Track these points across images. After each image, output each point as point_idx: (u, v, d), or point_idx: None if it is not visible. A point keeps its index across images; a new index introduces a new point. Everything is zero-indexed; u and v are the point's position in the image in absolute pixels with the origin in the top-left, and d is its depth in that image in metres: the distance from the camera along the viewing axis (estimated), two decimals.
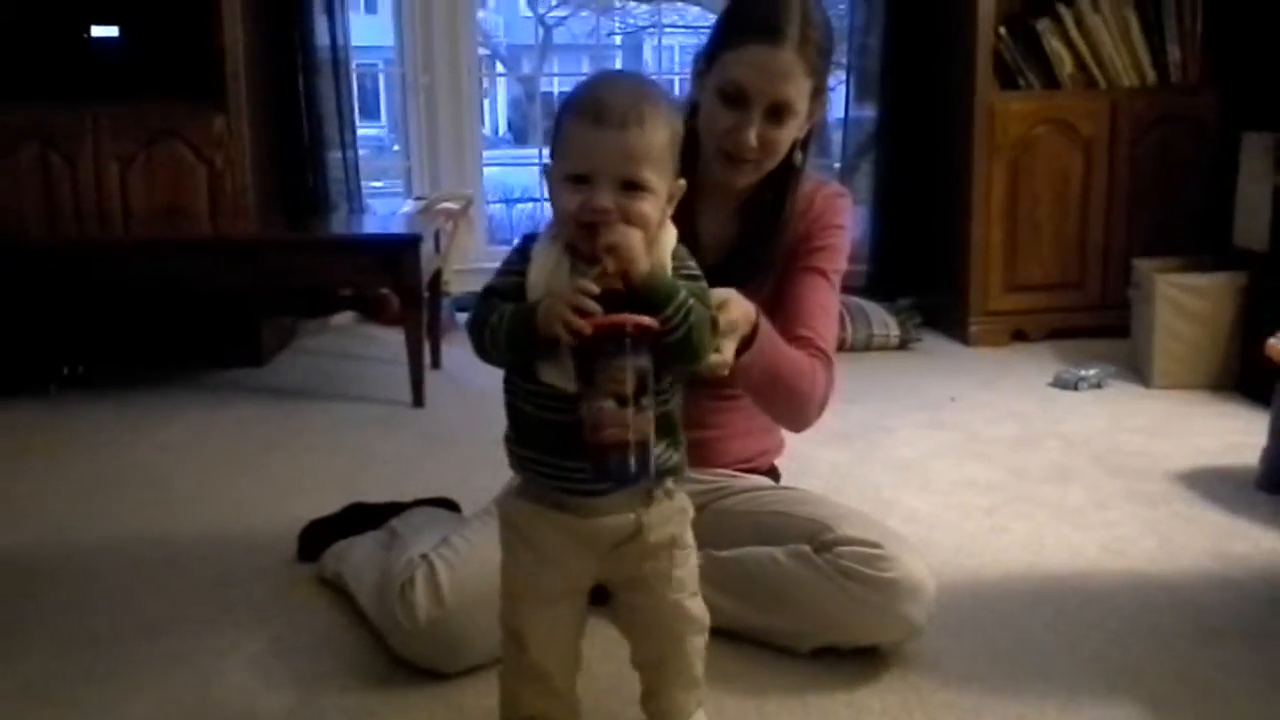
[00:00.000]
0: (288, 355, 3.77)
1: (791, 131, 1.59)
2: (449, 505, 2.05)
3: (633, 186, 1.16)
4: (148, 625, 1.78)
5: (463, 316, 3.58)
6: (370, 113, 8.42)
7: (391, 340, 3.54)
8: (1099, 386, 3.14)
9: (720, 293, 1.34)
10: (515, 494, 1.30)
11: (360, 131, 4.28)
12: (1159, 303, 3.13)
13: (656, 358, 1.14)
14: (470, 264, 4.22)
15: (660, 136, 1.18)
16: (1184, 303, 3.12)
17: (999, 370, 3.43)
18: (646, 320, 1.12)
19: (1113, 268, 3.71)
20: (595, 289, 1.13)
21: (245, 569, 1.99)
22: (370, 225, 4.04)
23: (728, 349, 1.37)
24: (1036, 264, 3.75)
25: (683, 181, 1.23)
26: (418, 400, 3.11)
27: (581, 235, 1.17)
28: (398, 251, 3.12)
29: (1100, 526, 2.15)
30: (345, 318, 4.23)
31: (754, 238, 1.68)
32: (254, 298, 3.56)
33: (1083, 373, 3.16)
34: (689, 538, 1.30)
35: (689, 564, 1.30)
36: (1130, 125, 3.69)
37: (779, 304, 1.65)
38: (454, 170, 4.55)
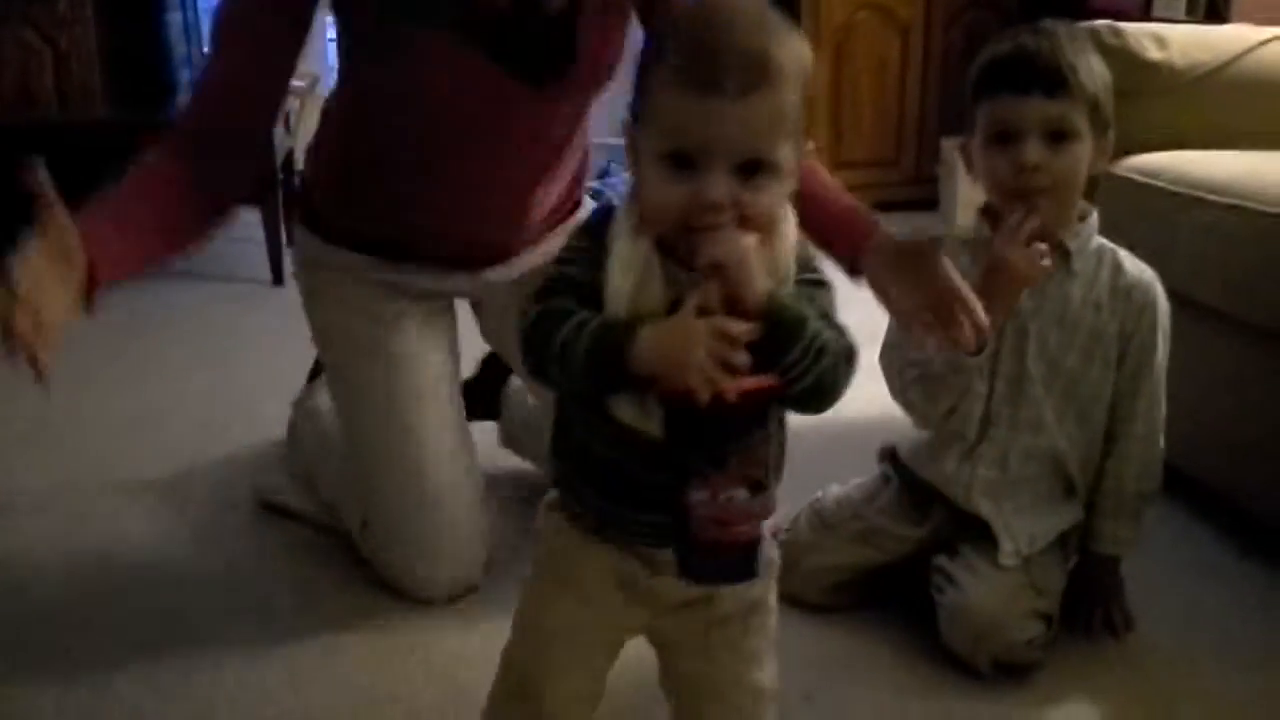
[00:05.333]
0: None
1: None
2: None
3: (756, 169, 0.86)
4: (36, 500, 1.93)
5: None
6: None
7: (244, 219, 3.62)
8: None
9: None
10: (560, 511, 1.02)
11: None
12: (960, 178, 3.45)
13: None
14: None
15: (793, 93, 0.87)
16: None
17: None
18: (773, 379, 0.86)
19: (925, 146, 4.03)
20: (745, 333, 0.84)
21: (135, 445, 2.16)
22: None
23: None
24: (859, 143, 4.05)
25: (812, 145, 0.98)
26: (277, 278, 3.26)
27: (682, 236, 0.87)
28: None
29: None
30: None
31: None
32: (105, 180, 3.60)
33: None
34: (772, 599, 1.03)
35: (766, 628, 1.03)
36: (943, 11, 3.98)
37: None
38: None
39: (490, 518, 1.63)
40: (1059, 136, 1.34)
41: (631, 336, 0.85)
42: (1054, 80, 1.32)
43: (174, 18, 4.09)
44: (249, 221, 3.36)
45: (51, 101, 3.47)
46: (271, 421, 2.05)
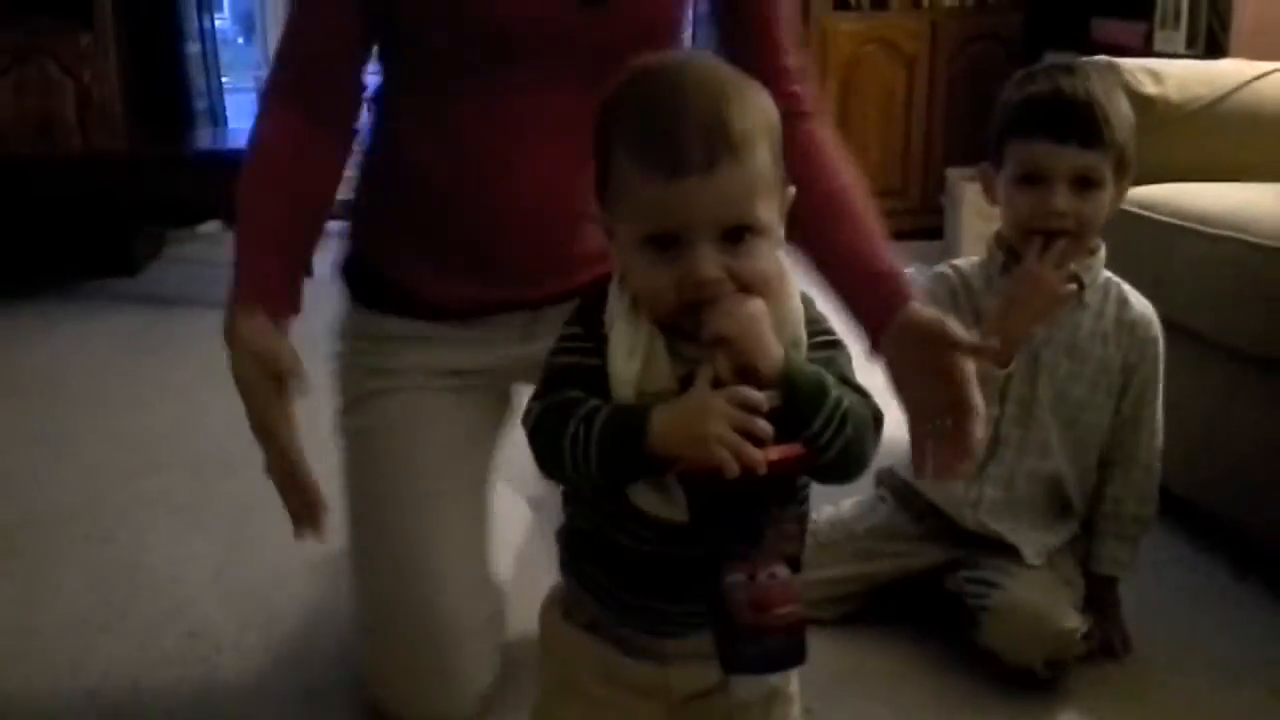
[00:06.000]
0: (160, 265, 3.91)
1: None
2: None
3: (741, 234, 0.82)
4: (63, 512, 1.99)
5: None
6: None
7: None
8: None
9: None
10: (559, 609, 0.98)
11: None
12: (965, 208, 3.51)
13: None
14: None
15: (764, 152, 0.83)
16: (987, 209, 3.48)
17: None
18: (800, 447, 0.82)
19: (931, 176, 4.08)
20: (764, 402, 0.80)
21: (156, 462, 2.21)
22: (241, 138, 4.18)
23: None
24: (865, 173, 3.98)
25: (792, 189, 0.88)
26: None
27: (681, 315, 0.83)
28: None
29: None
30: (213, 226, 4.35)
31: None
32: (126, 211, 3.69)
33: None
34: (793, 687, 0.99)
35: (784, 709, 0.99)
36: (948, 44, 4.04)
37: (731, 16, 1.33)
38: None
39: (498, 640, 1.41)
40: (1086, 184, 1.38)
41: (646, 419, 0.81)
42: (1090, 132, 1.36)
43: (193, 49, 4.20)
44: None
45: (74, 133, 3.56)
46: None
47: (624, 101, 0.85)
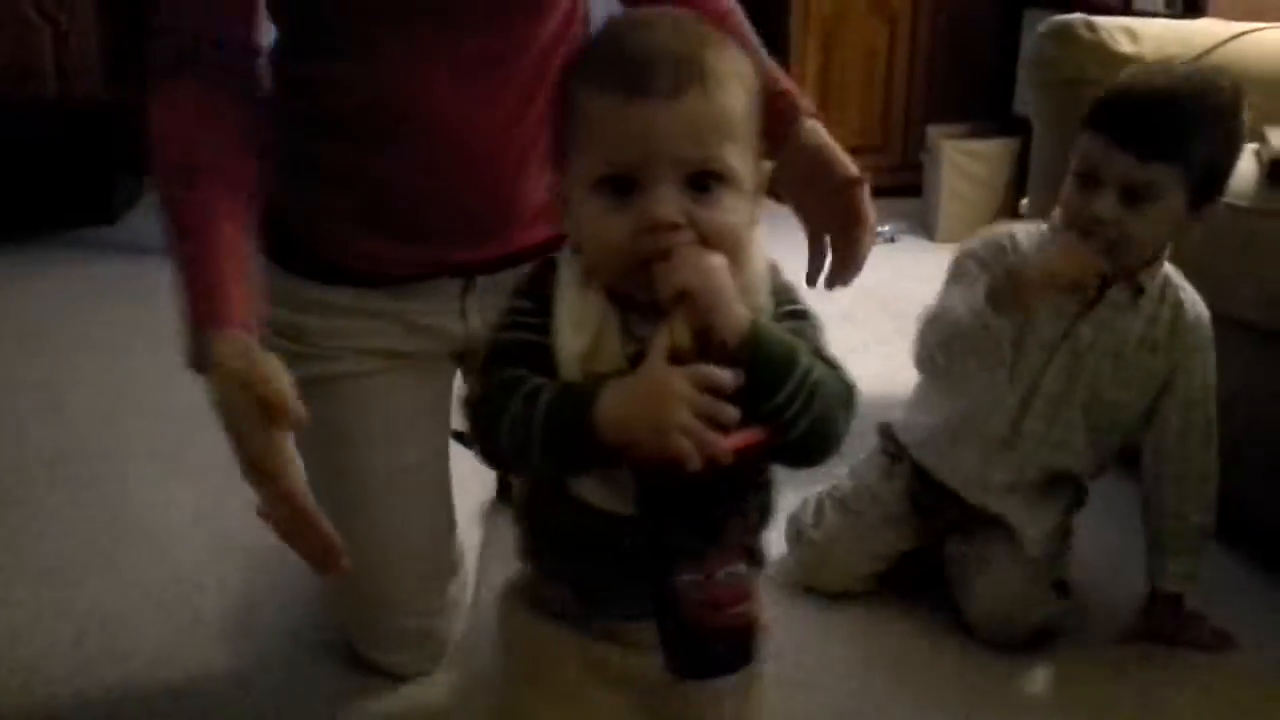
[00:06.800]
0: (138, 213, 3.87)
1: None
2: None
3: (707, 181, 0.75)
4: (45, 458, 2.01)
5: None
6: None
7: None
8: (892, 241, 3.54)
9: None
10: (520, 596, 0.92)
11: None
12: (945, 166, 3.52)
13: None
14: None
15: (738, 96, 0.77)
16: (966, 166, 3.52)
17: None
18: (766, 432, 0.73)
19: (912, 132, 4.08)
20: (729, 383, 0.72)
21: (137, 404, 2.22)
22: None
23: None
24: (846, 129, 4.09)
25: (768, 164, 0.81)
26: None
27: (636, 274, 0.75)
28: None
29: (879, 358, 2.53)
30: None
31: None
32: (104, 158, 3.66)
33: (878, 229, 3.53)
34: (764, 664, 0.90)
35: (760, 694, 0.92)
36: (930, 1, 4.03)
37: None
38: None
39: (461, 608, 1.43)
40: (1135, 197, 1.27)
41: (594, 400, 0.72)
42: (1154, 142, 1.25)
43: None
44: None
45: (50, 78, 3.51)
46: None
47: (592, 42, 0.80)
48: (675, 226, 0.73)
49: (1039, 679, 1.45)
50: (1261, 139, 1.64)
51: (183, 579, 1.62)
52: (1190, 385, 1.41)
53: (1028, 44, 3.60)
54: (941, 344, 1.39)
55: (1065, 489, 1.51)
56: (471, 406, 0.80)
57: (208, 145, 1.06)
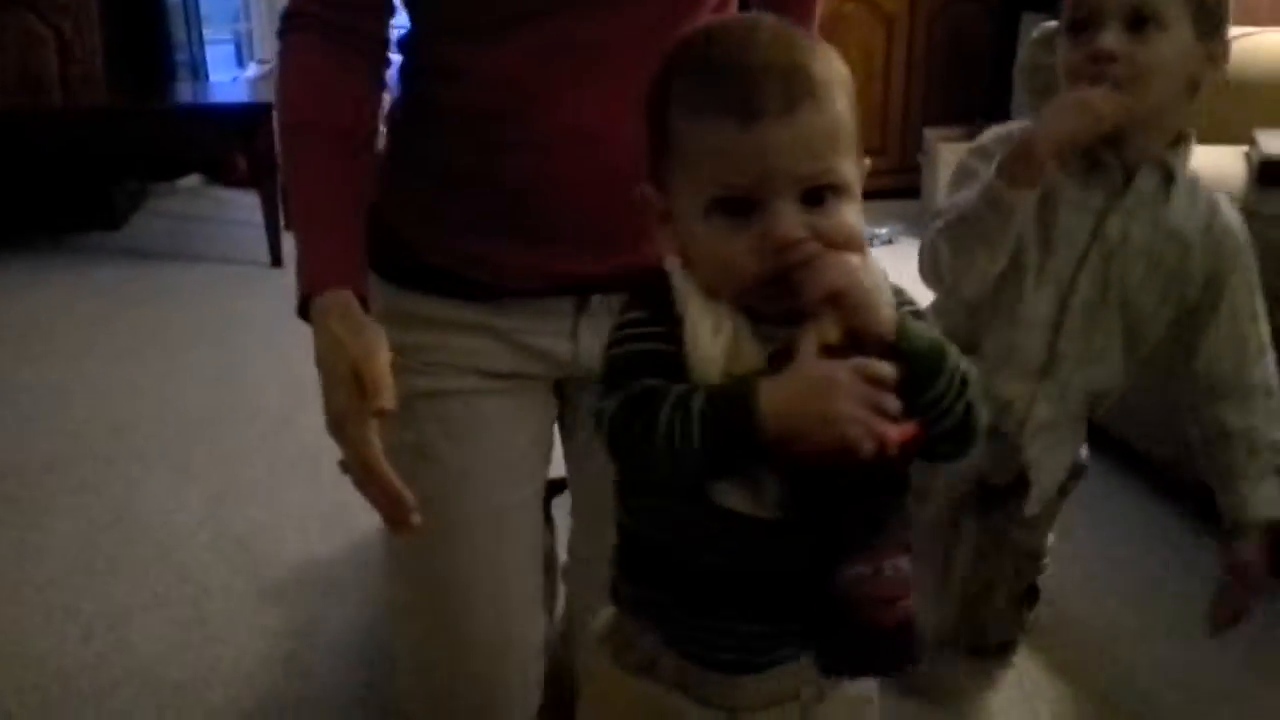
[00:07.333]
0: (141, 218, 3.91)
1: None
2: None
3: (822, 194, 0.74)
4: (53, 462, 2.03)
5: None
6: None
7: (241, 201, 3.72)
8: (890, 242, 3.56)
9: None
10: (610, 654, 0.87)
11: None
12: (941, 168, 3.54)
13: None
14: None
15: (844, 103, 0.76)
16: None
17: None
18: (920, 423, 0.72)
19: (910, 135, 4.11)
20: (891, 374, 0.71)
21: (141, 408, 2.25)
22: (223, 92, 4.20)
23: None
24: None
25: (868, 162, 0.79)
26: (276, 260, 3.33)
27: (766, 289, 0.74)
28: (252, 119, 3.30)
29: None
30: (193, 180, 4.35)
31: None
32: (107, 164, 3.68)
33: (876, 230, 3.57)
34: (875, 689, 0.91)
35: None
36: (927, 4, 4.05)
37: None
38: None
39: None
40: (1141, 22, 1.17)
41: (753, 397, 0.71)
42: None
43: (174, 3, 4.18)
44: (248, 205, 3.45)
45: (55, 87, 3.55)
46: (270, 401, 2.14)
47: (688, 54, 0.76)
48: (802, 240, 0.72)
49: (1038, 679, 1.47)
50: (1251, 142, 1.66)
51: (187, 579, 1.65)
52: (1234, 294, 1.28)
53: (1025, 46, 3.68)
54: (948, 232, 1.24)
55: (1077, 443, 1.41)
56: (612, 420, 0.76)
57: (326, 103, 1.06)
